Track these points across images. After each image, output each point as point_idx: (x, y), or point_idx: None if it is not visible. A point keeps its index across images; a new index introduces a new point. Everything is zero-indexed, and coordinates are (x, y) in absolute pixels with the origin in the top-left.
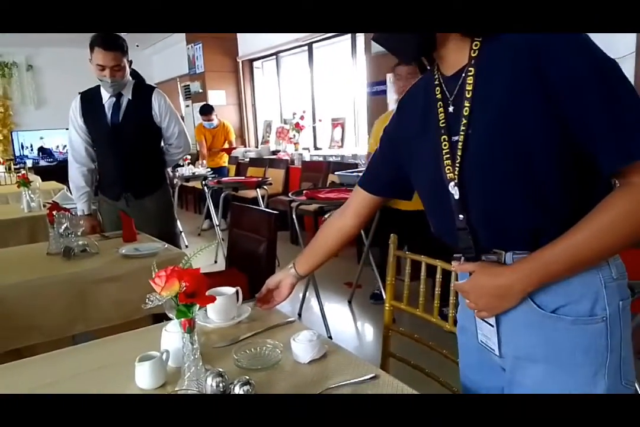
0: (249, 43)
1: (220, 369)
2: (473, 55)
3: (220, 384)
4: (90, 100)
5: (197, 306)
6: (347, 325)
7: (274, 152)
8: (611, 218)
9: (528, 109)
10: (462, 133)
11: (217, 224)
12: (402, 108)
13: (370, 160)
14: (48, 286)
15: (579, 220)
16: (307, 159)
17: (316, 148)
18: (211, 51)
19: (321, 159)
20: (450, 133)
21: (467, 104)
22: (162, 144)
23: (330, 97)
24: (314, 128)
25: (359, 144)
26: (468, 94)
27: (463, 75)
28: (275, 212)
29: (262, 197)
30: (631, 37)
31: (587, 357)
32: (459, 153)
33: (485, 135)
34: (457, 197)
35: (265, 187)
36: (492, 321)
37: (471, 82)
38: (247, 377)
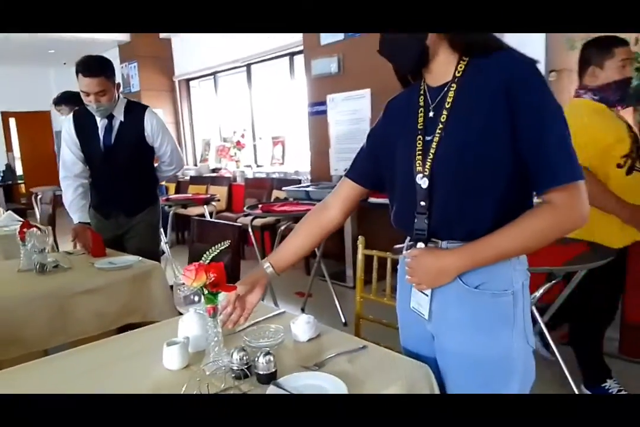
0: (185, 63)
1: (243, 345)
2: (457, 75)
3: (244, 358)
4: (83, 119)
5: (222, 293)
6: None
7: (214, 170)
8: (538, 227)
9: (495, 130)
10: (437, 135)
11: (166, 241)
12: (388, 112)
13: (356, 155)
14: (30, 301)
15: (506, 223)
16: (250, 176)
17: (258, 165)
18: (146, 70)
19: (264, 175)
20: (425, 133)
21: (445, 113)
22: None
23: (270, 116)
24: (254, 146)
25: (300, 161)
26: (447, 104)
27: (445, 89)
28: (239, 224)
29: (210, 213)
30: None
31: (502, 323)
32: (432, 151)
33: (455, 142)
34: (424, 186)
35: (213, 203)
36: (428, 292)
37: (452, 96)
38: (268, 349)
